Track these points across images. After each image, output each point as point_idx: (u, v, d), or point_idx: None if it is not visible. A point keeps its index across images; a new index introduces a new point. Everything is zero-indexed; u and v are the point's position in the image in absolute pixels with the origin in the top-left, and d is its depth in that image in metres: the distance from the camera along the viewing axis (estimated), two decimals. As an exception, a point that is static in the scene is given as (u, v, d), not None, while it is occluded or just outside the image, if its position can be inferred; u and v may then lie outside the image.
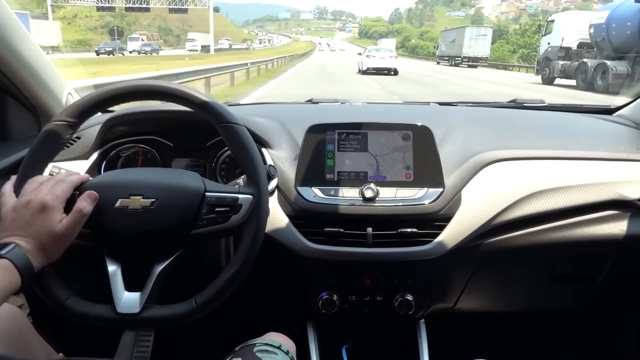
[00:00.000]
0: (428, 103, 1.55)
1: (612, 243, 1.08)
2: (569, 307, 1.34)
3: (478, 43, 30.12)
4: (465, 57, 30.07)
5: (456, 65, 30.21)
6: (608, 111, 1.45)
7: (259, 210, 0.81)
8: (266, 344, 0.88)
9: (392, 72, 20.39)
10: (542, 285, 1.23)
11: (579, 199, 1.05)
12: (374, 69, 20.50)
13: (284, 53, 33.05)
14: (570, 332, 1.56)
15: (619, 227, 1.07)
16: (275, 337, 0.93)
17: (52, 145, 0.80)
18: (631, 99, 1.39)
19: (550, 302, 1.30)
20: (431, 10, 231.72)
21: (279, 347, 0.88)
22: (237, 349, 0.88)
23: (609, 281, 1.19)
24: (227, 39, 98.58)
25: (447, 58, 33.84)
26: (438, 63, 35.01)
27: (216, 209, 0.80)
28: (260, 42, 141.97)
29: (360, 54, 26.04)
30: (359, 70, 21.63)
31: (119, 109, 1.07)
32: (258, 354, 0.84)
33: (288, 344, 0.93)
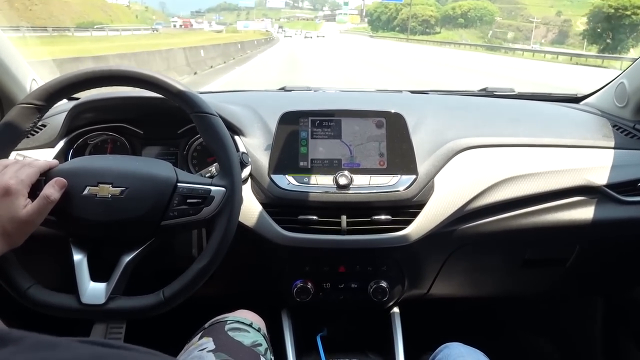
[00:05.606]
0: (400, 91, 1.55)
1: (580, 228, 1.11)
2: (539, 291, 1.38)
3: None
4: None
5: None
6: (575, 99, 1.49)
7: (232, 202, 0.80)
8: (237, 322, 0.87)
9: None
10: (513, 270, 1.26)
11: (548, 185, 1.08)
12: None
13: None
14: (540, 315, 1.61)
15: (586, 213, 1.10)
16: (246, 315, 0.92)
17: (18, 128, 0.77)
18: (597, 89, 1.43)
19: (521, 287, 1.33)
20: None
21: (250, 325, 0.88)
22: (206, 325, 0.86)
23: (577, 265, 1.22)
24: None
25: None
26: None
27: (188, 200, 0.79)
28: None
29: None
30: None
31: (86, 95, 1.04)
32: (230, 333, 0.83)
33: (259, 321, 0.93)
